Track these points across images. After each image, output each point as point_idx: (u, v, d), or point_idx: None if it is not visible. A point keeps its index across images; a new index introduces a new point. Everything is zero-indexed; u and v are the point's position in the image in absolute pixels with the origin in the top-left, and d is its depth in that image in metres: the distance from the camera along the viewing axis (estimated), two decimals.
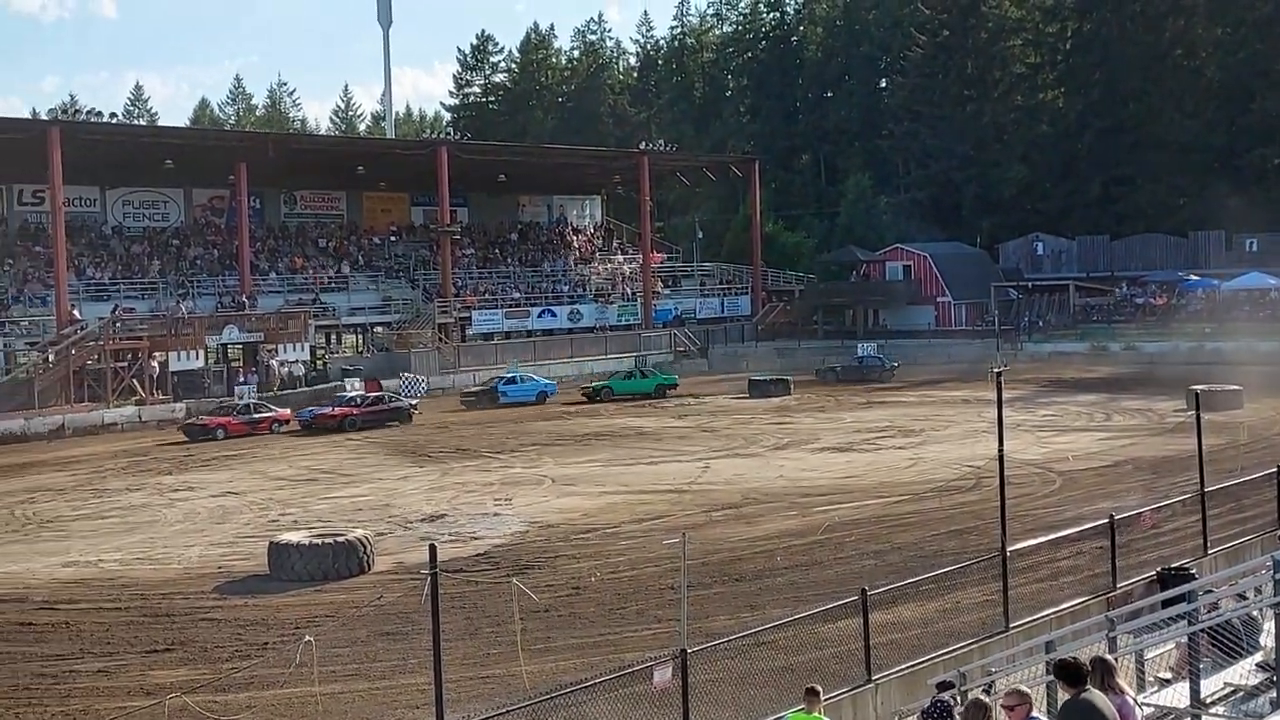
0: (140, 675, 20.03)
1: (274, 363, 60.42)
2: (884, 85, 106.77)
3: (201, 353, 59.00)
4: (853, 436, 44.42)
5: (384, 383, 59.01)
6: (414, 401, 54.85)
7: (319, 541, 25.87)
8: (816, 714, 13.12)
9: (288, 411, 53.05)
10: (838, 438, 44.13)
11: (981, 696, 11.81)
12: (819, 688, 13.49)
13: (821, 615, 17.29)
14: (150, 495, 37.26)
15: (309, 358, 63.02)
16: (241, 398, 53.79)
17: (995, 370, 18.93)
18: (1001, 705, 9.91)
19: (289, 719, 17.84)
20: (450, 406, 58.36)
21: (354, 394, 54.95)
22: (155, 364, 56.49)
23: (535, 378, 61.28)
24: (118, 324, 57.77)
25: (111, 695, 19.17)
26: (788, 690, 15.11)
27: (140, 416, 54.32)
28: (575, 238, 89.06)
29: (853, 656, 16.75)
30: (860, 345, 71.43)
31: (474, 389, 60.83)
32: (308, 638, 17.86)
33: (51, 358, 54.92)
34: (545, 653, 19.88)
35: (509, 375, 60.37)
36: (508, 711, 13.07)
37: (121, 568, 27.77)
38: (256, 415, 51.84)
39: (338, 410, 52.32)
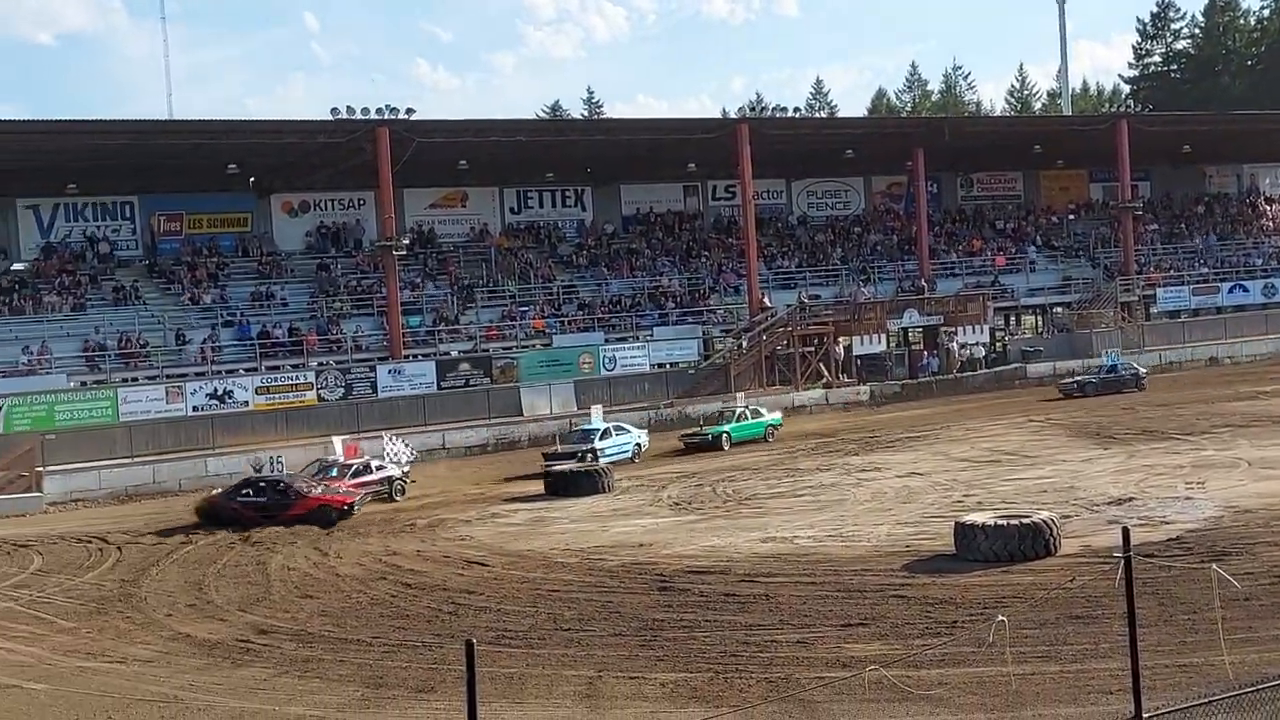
0: (836, 648, 20.85)
1: (953, 345, 60.94)
2: None
3: (883, 336, 60.37)
4: None
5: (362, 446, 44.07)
6: (406, 468, 42.35)
7: (1004, 523, 25.88)
8: None
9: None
10: None
11: None
12: None
13: None
14: (839, 475, 38.63)
15: (988, 340, 63.06)
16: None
17: None
18: None
19: (980, 697, 18.02)
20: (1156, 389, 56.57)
21: (331, 464, 41.43)
22: (840, 348, 58.48)
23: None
24: (805, 310, 60.19)
25: (810, 665, 20.09)
26: None
27: (827, 399, 56.41)
28: (1268, 208, 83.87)
29: None
30: None
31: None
32: (1001, 617, 17.96)
33: (745, 344, 58.08)
34: (1247, 643, 18.96)
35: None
36: (1209, 702, 12.64)
37: (814, 544, 29.00)
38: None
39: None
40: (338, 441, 43.79)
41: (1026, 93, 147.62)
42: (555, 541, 31.61)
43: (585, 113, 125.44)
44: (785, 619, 22.85)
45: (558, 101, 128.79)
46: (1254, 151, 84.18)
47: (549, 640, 22.72)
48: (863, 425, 50.15)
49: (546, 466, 41.42)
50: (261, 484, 37.11)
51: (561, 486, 38.87)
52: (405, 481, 40.93)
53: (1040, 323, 70.98)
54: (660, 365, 57.73)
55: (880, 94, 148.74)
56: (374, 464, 41.06)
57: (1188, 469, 35.09)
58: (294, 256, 59.94)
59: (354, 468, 40.51)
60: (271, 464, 40.40)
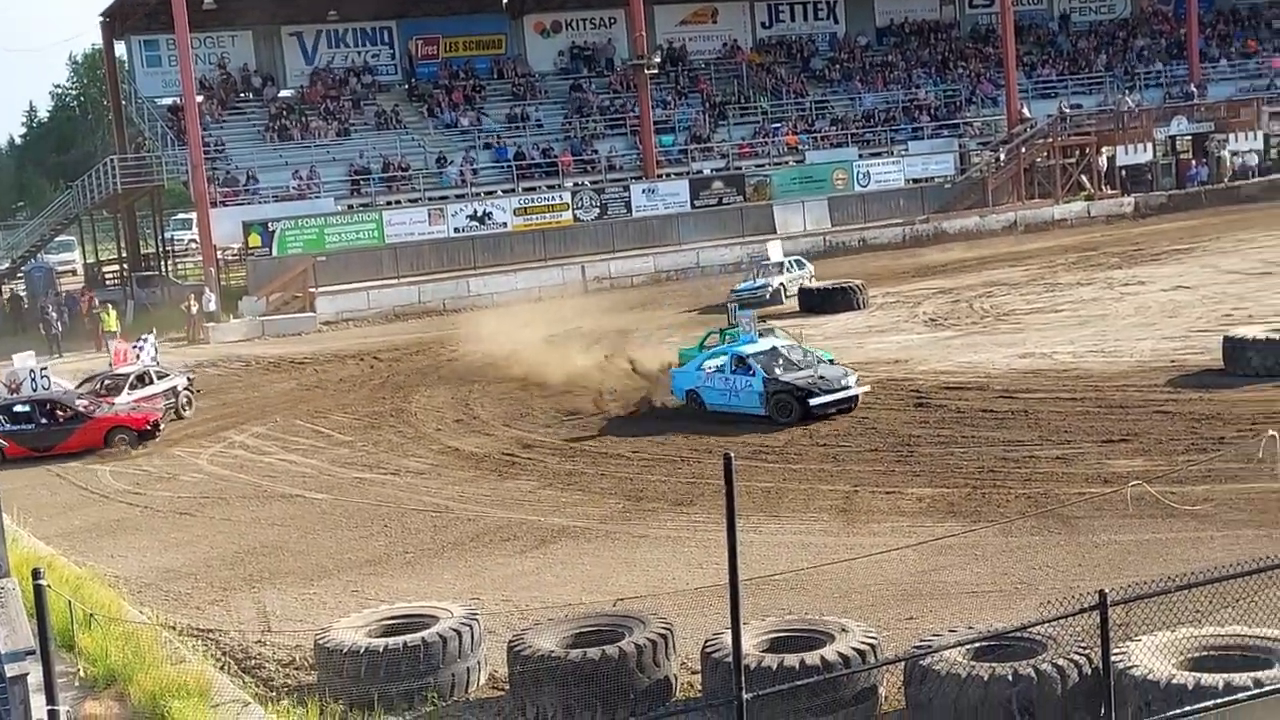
0: (1097, 463, 20.62)
1: (1224, 153, 58.40)
2: None
3: (1149, 146, 58.15)
4: None
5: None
6: (189, 376, 33.62)
7: (1277, 336, 25.04)
8: None
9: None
10: None
11: None
12: None
13: None
14: (1100, 289, 37.72)
15: (1262, 147, 60.20)
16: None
17: None
18: None
19: (1248, 514, 17.65)
20: None
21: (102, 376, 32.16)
22: (1103, 159, 56.59)
23: None
24: (1066, 121, 58.29)
25: (1070, 481, 19.93)
26: None
27: (1089, 212, 54.84)
28: None
29: None
30: None
31: None
32: (1271, 432, 17.50)
33: (1003, 156, 56.66)
34: None
35: None
36: None
37: (1074, 360, 28.51)
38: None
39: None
40: None
41: None
42: None
43: None
44: (1044, 435, 22.65)
45: None
46: None
47: (805, 456, 23.00)
48: (1126, 238, 48.67)
49: (730, 296, 39.98)
50: (24, 406, 28.67)
51: (817, 303, 38.97)
52: (192, 393, 32.39)
53: None
54: (915, 181, 56.73)
55: None
56: (154, 371, 32.20)
57: None
58: (547, 77, 60.31)
59: (130, 377, 31.16)
60: (34, 380, 29.50)
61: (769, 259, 43.36)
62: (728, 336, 29.10)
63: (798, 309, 39.08)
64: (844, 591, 16.11)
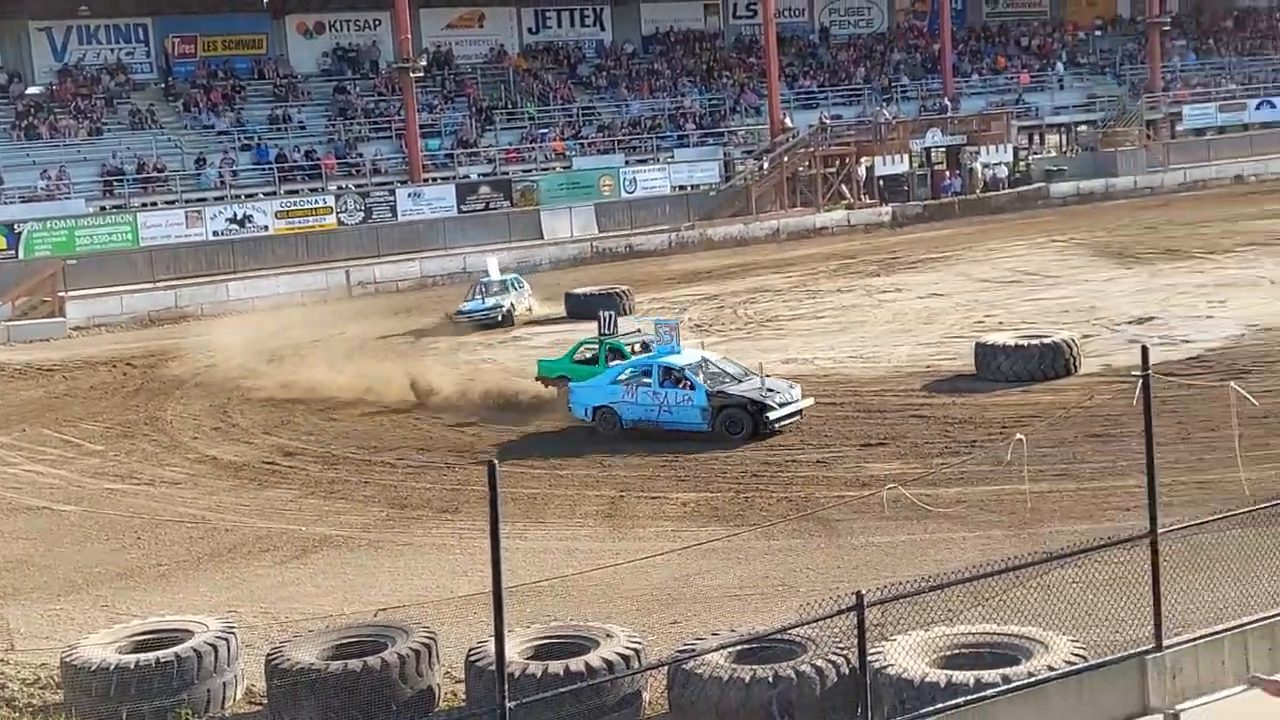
0: (856, 467, 21.11)
1: (976, 165, 60.36)
2: None
3: (905, 157, 59.77)
4: None
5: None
6: None
7: (1025, 343, 25.96)
8: None
9: None
10: None
11: None
12: None
13: None
14: (860, 296, 38.62)
15: (1012, 159, 62.41)
16: None
17: None
18: None
19: (998, 514, 18.24)
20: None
21: None
22: (862, 169, 57.98)
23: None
24: (826, 131, 59.57)
25: (829, 484, 20.35)
26: None
27: (849, 220, 56.11)
28: None
29: None
30: None
31: None
32: (1019, 435, 18.12)
33: (766, 165, 57.62)
34: (1265, 460, 19.11)
35: None
36: (1225, 517, 12.75)
37: (834, 365, 29.14)
38: None
39: None
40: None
41: None
42: None
43: None
44: (805, 439, 23.07)
45: None
46: None
47: (571, 462, 22.99)
48: (884, 247, 49.96)
49: (457, 317, 38.13)
50: None
51: (582, 309, 38.83)
52: None
53: (1065, 141, 70.05)
54: (681, 187, 57.34)
55: None
56: None
57: (1210, 288, 34.97)
58: (310, 79, 59.25)
59: None
60: None
61: (490, 277, 39.81)
62: (609, 348, 26.76)
63: (564, 314, 38.97)
64: (609, 597, 16.14)
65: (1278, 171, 63.58)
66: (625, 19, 66.92)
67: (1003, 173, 60.88)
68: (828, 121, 60.41)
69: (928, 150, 61.16)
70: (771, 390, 23.47)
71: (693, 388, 23.58)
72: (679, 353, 24.55)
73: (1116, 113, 67.62)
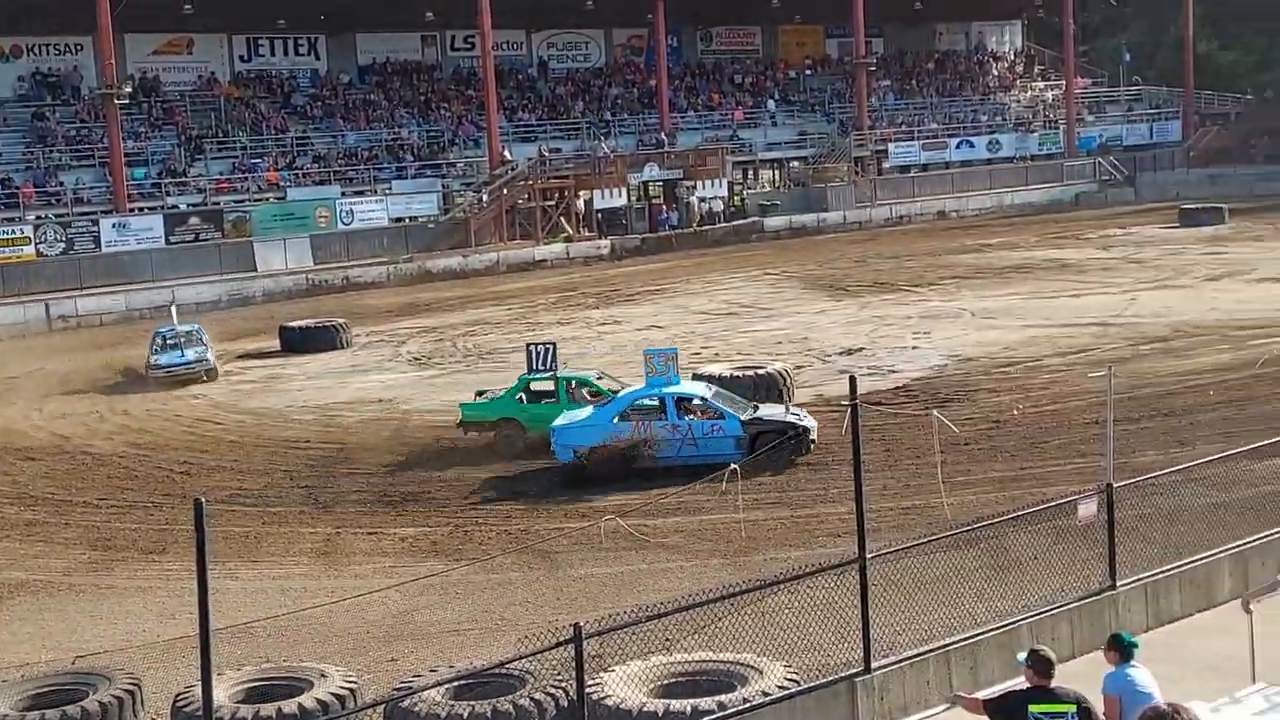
0: (575, 499, 21.09)
1: (693, 199, 61.44)
2: None
3: (623, 190, 60.46)
4: None
5: None
6: None
7: (740, 374, 26.41)
8: None
9: None
10: (1279, 268, 41.63)
11: None
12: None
13: (1256, 452, 16.43)
14: (579, 329, 38.78)
15: (727, 194, 63.75)
16: None
17: None
18: None
19: (715, 543, 18.47)
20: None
21: None
22: (581, 202, 58.41)
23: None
24: (545, 164, 59.83)
25: (549, 516, 20.27)
26: (1219, 528, 14.60)
27: (569, 253, 56.41)
28: (994, 65, 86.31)
29: None
30: None
31: None
32: (734, 466, 18.39)
33: (485, 197, 57.53)
34: (965, 485, 19.84)
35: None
36: (929, 541, 13.16)
37: None
38: None
39: None
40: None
41: None
42: (291, 399, 31.08)
43: None
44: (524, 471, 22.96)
45: None
46: (982, 9, 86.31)
47: (286, 498, 22.43)
48: (604, 279, 50.37)
49: (153, 372, 33.68)
50: None
51: (298, 342, 38.03)
52: None
53: (777, 177, 71.97)
54: (399, 220, 56.78)
55: None
56: None
57: (915, 319, 36.26)
58: (7, 104, 56.77)
59: None
60: None
61: (176, 328, 35.25)
62: (578, 384, 25.29)
63: (278, 347, 38.06)
64: (325, 636, 15.75)
65: (977, 208, 66.64)
66: (341, 49, 66.09)
67: (719, 207, 62.06)
68: (547, 154, 60.73)
69: (645, 184, 61.98)
70: (795, 412, 22.99)
71: (721, 417, 22.31)
72: (677, 383, 23.13)
73: (826, 149, 69.78)
